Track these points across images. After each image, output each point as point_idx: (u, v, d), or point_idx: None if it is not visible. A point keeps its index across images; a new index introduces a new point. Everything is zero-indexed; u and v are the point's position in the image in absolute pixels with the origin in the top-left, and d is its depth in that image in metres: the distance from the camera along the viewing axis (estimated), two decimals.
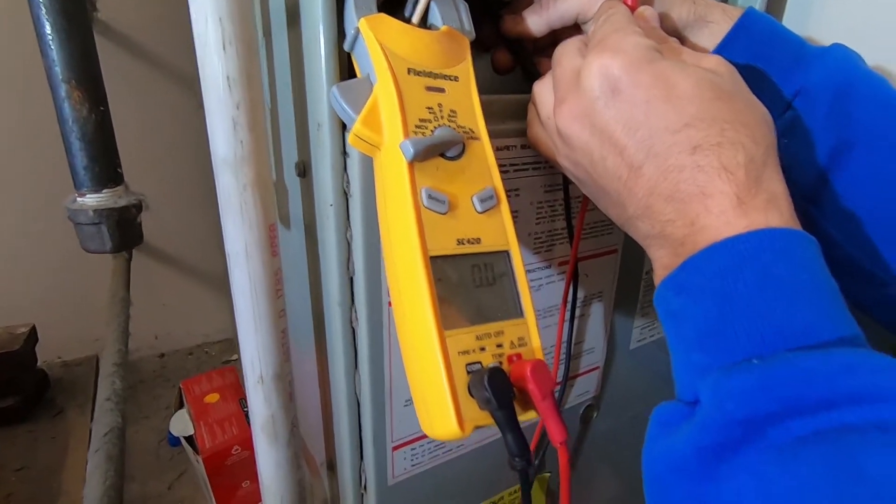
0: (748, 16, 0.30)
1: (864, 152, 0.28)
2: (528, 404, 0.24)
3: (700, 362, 0.19)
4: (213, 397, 0.74)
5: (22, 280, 0.99)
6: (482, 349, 0.24)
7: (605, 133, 0.22)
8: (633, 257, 0.48)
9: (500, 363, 0.24)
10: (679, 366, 0.21)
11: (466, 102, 0.28)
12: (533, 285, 0.43)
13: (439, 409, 0.23)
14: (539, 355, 0.25)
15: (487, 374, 0.22)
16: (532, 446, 0.46)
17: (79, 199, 0.33)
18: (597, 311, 0.48)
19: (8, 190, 0.94)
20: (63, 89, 0.29)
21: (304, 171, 0.36)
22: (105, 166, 0.33)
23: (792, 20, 0.50)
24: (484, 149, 0.28)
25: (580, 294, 0.46)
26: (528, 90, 0.32)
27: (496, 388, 0.21)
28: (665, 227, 0.21)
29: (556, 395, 0.47)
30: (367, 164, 0.31)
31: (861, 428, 0.15)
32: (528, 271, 0.41)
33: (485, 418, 0.23)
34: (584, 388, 0.51)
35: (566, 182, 0.40)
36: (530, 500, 0.23)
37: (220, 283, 1.16)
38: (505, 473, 0.48)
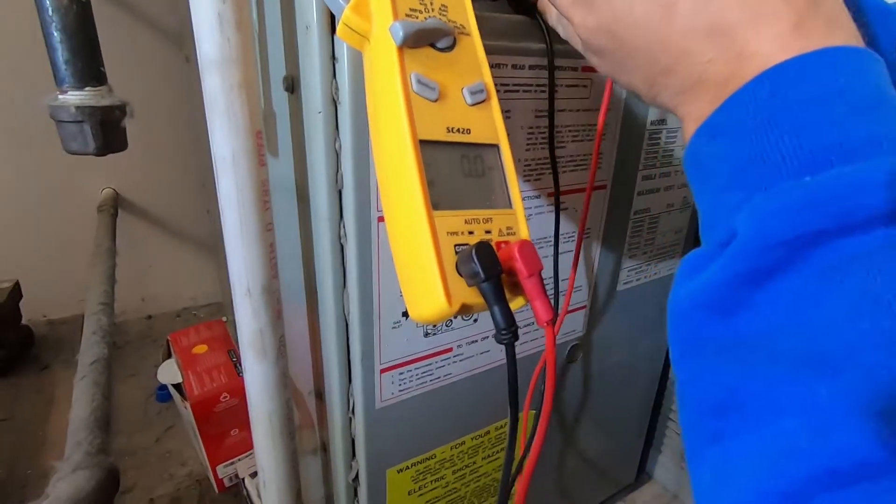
0: None
1: None
2: (515, 289, 0.24)
3: (736, 199, 0.17)
4: (201, 348, 0.74)
5: (7, 238, 0.97)
6: (470, 233, 0.24)
7: None
8: (622, 195, 0.48)
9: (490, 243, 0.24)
10: (707, 215, 0.18)
11: None
12: None
13: (427, 287, 0.23)
14: (528, 240, 0.25)
15: (475, 248, 0.22)
16: (527, 399, 0.47)
17: (60, 96, 0.32)
18: (584, 248, 0.48)
19: None
20: None
21: (292, 85, 0.36)
22: (87, 62, 0.32)
23: None
24: (475, 44, 0.28)
25: (567, 229, 0.46)
26: None
27: (483, 260, 0.22)
28: (706, 69, 0.18)
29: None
30: (357, 70, 0.31)
31: None
32: None
33: (472, 295, 0.23)
34: (570, 327, 0.51)
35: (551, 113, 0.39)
36: (516, 375, 0.24)
37: (208, 246, 1.15)
38: (492, 408, 0.49)
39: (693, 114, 0.20)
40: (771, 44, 0.17)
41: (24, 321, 0.93)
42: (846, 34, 0.17)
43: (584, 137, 0.43)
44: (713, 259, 0.16)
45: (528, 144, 0.40)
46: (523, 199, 0.42)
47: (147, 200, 1.08)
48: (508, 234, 0.25)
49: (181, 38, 0.96)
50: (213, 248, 1.11)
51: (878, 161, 0.15)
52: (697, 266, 0.17)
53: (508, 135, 0.39)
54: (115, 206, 0.93)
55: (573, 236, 0.46)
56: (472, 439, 0.49)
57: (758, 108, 0.17)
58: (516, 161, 0.40)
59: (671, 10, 0.19)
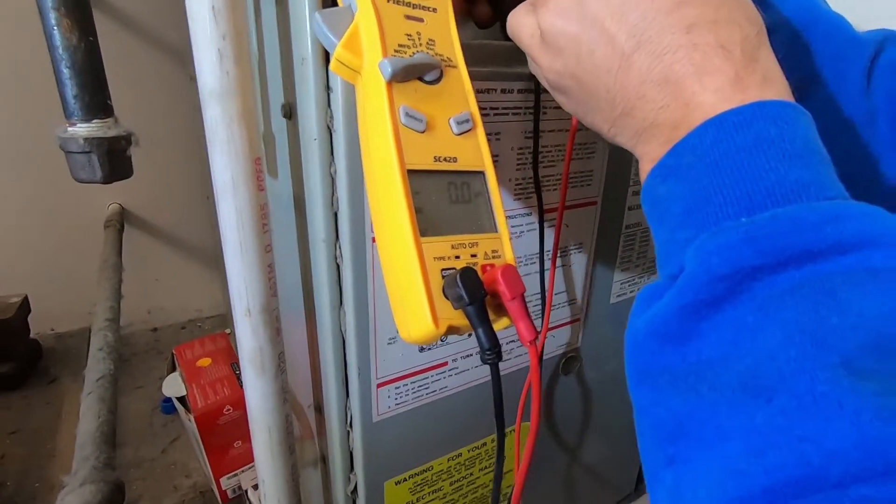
0: None
1: (822, 87, 0.29)
2: (500, 309, 0.26)
3: (685, 237, 0.18)
4: (205, 361, 0.75)
5: (15, 253, 0.99)
6: (457, 257, 0.25)
7: (594, 22, 0.22)
8: (613, 210, 0.50)
9: (474, 268, 0.25)
10: (662, 249, 0.20)
11: (444, 32, 0.29)
12: (514, 232, 0.44)
13: (415, 310, 0.24)
14: (512, 264, 0.26)
15: (460, 273, 0.23)
16: (519, 410, 0.48)
17: (69, 128, 0.34)
18: (577, 263, 0.49)
19: (2, 164, 0.94)
20: (52, 17, 0.30)
21: (289, 112, 0.37)
22: (95, 96, 0.34)
23: None
24: (461, 76, 0.29)
25: (560, 244, 0.47)
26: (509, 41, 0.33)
27: (468, 285, 0.23)
28: (659, 114, 0.20)
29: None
30: (350, 99, 0.32)
31: (848, 273, 0.15)
32: (509, 217, 0.43)
33: (458, 317, 0.24)
34: (565, 339, 0.52)
35: (536, 132, 0.40)
36: (501, 394, 0.25)
37: (212, 258, 1.17)
38: (488, 420, 0.50)
39: (648, 154, 0.21)
40: (714, 95, 0.19)
41: (32, 335, 0.95)
42: (778, 89, 0.19)
43: (574, 156, 0.45)
44: (665, 291, 0.18)
45: (518, 164, 0.42)
46: (516, 216, 0.44)
47: (153, 214, 1.10)
48: (494, 257, 0.27)
49: (185, 57, 0.99)
50: (218, 260, 1.12)
51: (806, 204, 0.16)
52: (652, 297, 0.18)
53: (499, 155, 0.41)
54: (121, 220, 0.95)
55: (565, 251, 0.48)
56: (468, 451, 0.50)
57: (703, 154, 0.18)
58: (508, 180, 0.42)
59: (628, 60, 0.21)
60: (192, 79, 0.91)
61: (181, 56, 1.01)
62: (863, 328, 0.14)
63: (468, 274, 0.23)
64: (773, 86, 0.19)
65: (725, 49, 0.19)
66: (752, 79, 0.19)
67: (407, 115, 0.26)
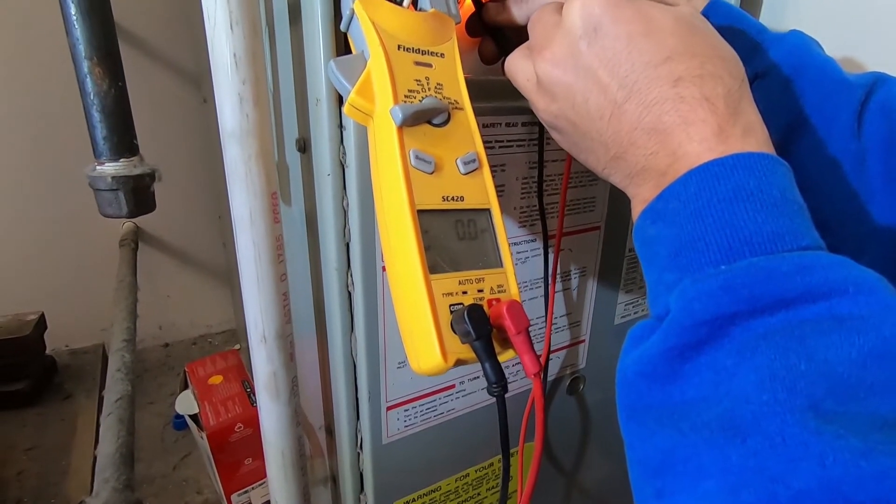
0: (712, 4, 0.33)
1: (813, 129, 0.30)
2: (506, 342, 0.27)
3: (671, 279, 0.20)
4: (216, 379, 0.76)
5: (32, 271, 1.02)
6: (464, 292, 0.26)
7: (588, 73, 0.23)
8: (616, 235, 0.51)
9: (481, 304, 0.26)
10: (652, 290, 0.22)
11: (452, 76, 0.31)
12: (519, 258, 0.45)
13: (425, 344, 0.25)
14: (517, 300, 0.27)
15: (467, 310, 0.24)
16: (521, 432, 0.49)
17: (98, 167, 0.36)
18: (581, 286, 0.51)
19: (19, 182, 0.97)
20: (85, 65, 0.32)
21: (304, 146, 0.39)
22: (122, 137, 0.36)
23: (769, 14, 0.53)
24: (468, 118, 0.31)
25: (565, 268, 0.48)
26: None
27: (475, 321, 0.24)
28: (649, 160, 0.22)
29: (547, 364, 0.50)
30: (362, 137, 0.34)
31: (816, 321, 0.16)
32: (514, 244, 0.45)
33: (466, 351, 0.25)
34: (570, 361, 0.53)
35: (541, 162, 0.42)
36: (506, 425, 0.26)
37: (223, 275, 1.19)
38: (495, 441, 0.51)
39: (639, 196, 0.23)
40: (699, 145, 0.20)
41: (47, 351, 0.97)
42: (758, 140, 0.21)
43: (577, 184, 0.46)
44: (653, 331, 0.19)
45: (522, 193, 0.43)
46: (522, 242, 0.45)
47: (165, 232, 1.12)
48: (499, 291, 0.28)
49: (199, 80, 1.02)
50: (228, 277, 1.15)
51: (779, 255, 0.18)
52: (641, 336, 0.19)
53: (504, 185, 0.42)
54: (135, 239, 0.97)
55: (569, 275, 0.49)
56: (475, 471, 0.50)
57: (688, 201, 0.20)
58: (514, 208, 0.43)
59: (620, 108, 0.22)
60: (205, 101, 0.94)
61: (194, 79, 1.04)
62: (828, 374, 0.15)
63: (475, 311, 0.24)
64: (753, 137, 0.21)
65: (710, 102, 0.21)
66: (733, 130, 0.21)
67: (417, 157, 0.27)
